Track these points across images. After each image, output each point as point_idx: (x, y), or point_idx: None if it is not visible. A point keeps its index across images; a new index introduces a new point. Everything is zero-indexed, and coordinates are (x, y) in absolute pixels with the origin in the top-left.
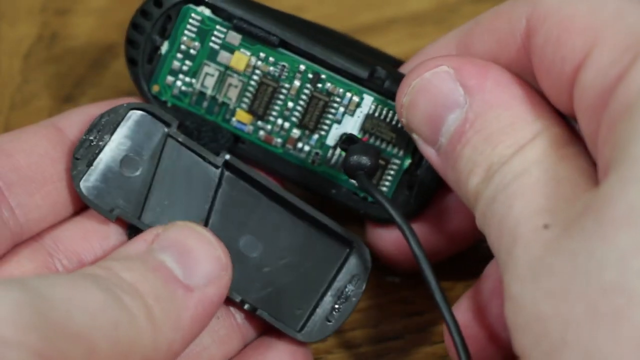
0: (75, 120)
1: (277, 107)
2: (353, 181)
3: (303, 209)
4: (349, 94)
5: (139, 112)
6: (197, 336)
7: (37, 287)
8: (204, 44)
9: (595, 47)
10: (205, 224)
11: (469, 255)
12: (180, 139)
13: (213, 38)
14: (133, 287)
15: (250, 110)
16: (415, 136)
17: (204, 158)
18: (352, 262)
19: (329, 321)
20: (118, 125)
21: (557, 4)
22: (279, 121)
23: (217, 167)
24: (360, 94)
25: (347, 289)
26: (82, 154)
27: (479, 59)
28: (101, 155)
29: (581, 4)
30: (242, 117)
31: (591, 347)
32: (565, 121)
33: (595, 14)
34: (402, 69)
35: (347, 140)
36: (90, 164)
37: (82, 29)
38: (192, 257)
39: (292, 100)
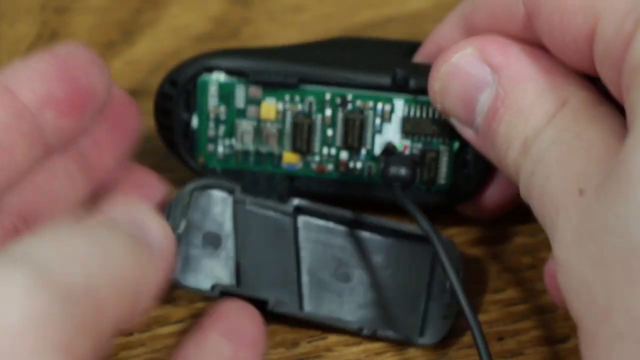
0: (24, 79)
1: (318, 139)
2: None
3: (379, 224)
4: (379, 105)
5: (201, 190)
6: None
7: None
8: (229, 106)
9: (598, 22)
10: (298, 271)
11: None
12: (247, 201)
13: (236, 98)
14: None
15: (294, 150)
16: (453, 120)
17: (275, 210)
18: (436, 257)
19: (445, 318)
20: (187, 209)
21: None
22: (325, 150)
23: (289, 214)
24: (390, 101)
25: (447, 283)
26: None
27: (499, 37)
28: (183, 244)
29: None
30: (290, 159)
31: (636, 312)
32: (591, 82)
33: None
34: (418, 56)
35: (385, 152)
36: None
37: (81, 28)
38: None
39: (329, 128)
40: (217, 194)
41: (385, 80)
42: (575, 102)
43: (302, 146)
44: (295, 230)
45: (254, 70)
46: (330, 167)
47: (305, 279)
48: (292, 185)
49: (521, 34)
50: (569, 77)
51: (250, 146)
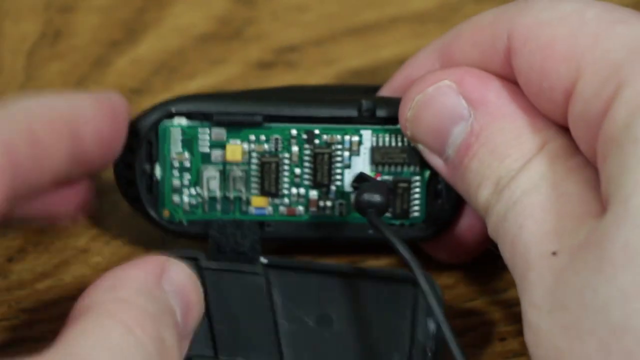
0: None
1: (286, 179)
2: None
3: (352, 272)
4: (347, 137)
5: None
6: None
7: None
8: (193, 152)
9: (580, 79)
10: (275, 326)
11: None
12: (213, 267)
13: (200, 143)
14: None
15: (263, 193)
16: (421, 147)
17: (244, 272)
18: (423, 298)
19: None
20: None
21: (536, 25)
22: (294, 190)
23: (259, 274)
24: (357, 132)
25: (429, 326)
26: None
27: (478, 71)
28: None
29: (560, 26)
30: (258, 203)
31: None
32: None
33: (575, 39)
34: (384, 90)
35: (357, 179)
36: None
37: (85, 27)
38: (190, 312)
39: (297, 166)
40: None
41: (352, 111)
42: (553, 148)
43: (271, 188)
44: (269, 285)
45: (217, 112)
46: (300, 208)
47: (283, 336)
48: (262, 231)
49: (500, 69)
50: (547, 121)
51: (217, 193)
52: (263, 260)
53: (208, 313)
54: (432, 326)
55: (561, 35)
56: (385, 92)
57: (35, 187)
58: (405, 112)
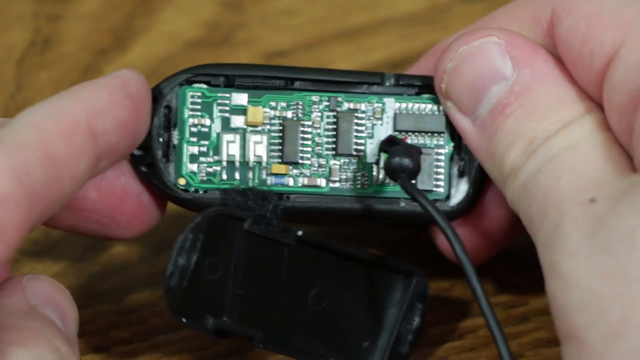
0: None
1: (308, 147)
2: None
3: (358, 254)
4: (370, 105)
5: (216, 217)
6: None
7: None
8: (212, 117)
9: (624, 45)
10: (289, 299)
11: None
12: (257, 232)
13: (219, 107)
14: None
15: (283, 161)
16: (449, 104)
17: (278, 242)
18: (413, 291)
19: (400, 350)
20: (199, 240)
21: None
22: (315, 160)
23: (291, 246)
24: (380, 100)
25: (413, 319)
26: (174, 283)
27: (526, 37)
28: (192, 277)
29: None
30: (278, 170)
31: None
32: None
33: (623, 10)
34: (417, 66)
35: (387, 142)
36: (186, 289)
37: (74, 34)
38: (68, 316)
39: (319, 135)
40: (228, 221)
41: (375, 78)
42: (594, 118)
43: (291, 155)
44: (292, 258)
45: (239, 75)
46: (321, 180)
47: (291, 307)
48: (281, 201)
49: (540, 40)
50: (587, 95)
51: (236, 157)
52: (299, 232)
53: (233, 277)
54: (417, 320)
55: (609, 7)
56: (417, 69)
57: (63, 199)
58: (446, 62)
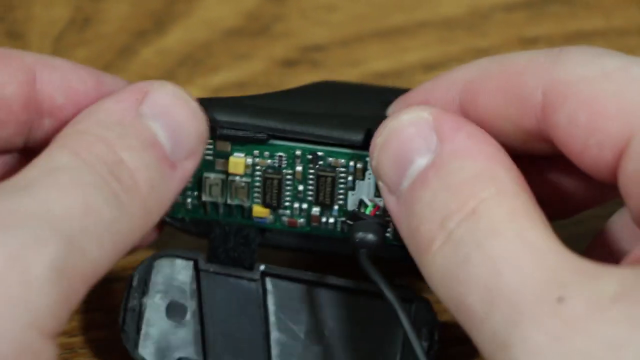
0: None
1: (288, 194)
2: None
3: (349, 285)
4: (352, 162)
5: (164, 259)
6: None
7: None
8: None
9: (635, 136)
10: (266, 335)
11: None
12: (212, 270)
13: (205, 151)
14: (134, 179)
15: (265, 205)
16: (380, 184)
17: (241, 278)
18: (415, 317)
19: None
20: (149, 280)
21: (578, 80)
22: (296, 205)
23: (256, 280)
24: (362, 159)
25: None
26: (128, 322)
27: (457, 115)
28: (146, 316)
29: (606, 83)
30: (259, 212)
31: None
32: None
33: (624, 96)
34: (397, 104)
35: (351, 217)
36: (139, 329)
37: (114, 15)
38: (181, 132)
39: (300, 184)
40: (180, 263)
41: (358, 138)
42: (514, 197)
43: (273, 201)
44: (264, 293)
45: (222, 125)
46: (301, 220)
47: (274, 346)
48: (263, 237)
49: (530, 124)
50: (514, 174)
51: (218, 199)
52: (261, 267)
53: (201, 316)
54: (425, 345)
55: (608, 92)
56: (397, 107)
57: None
58: (377, 138)
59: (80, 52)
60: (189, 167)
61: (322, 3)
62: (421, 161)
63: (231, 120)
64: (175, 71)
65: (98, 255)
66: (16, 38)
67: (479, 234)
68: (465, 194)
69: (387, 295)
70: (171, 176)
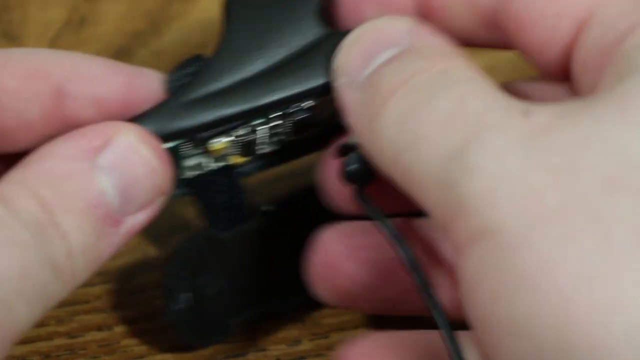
0: None
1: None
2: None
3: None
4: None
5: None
6: None
7: None
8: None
9: (600, 6)
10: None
11: None
12: (225, 235)
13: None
14: (67, 242)
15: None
16: (339, 80)
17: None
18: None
19: None
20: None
21: None
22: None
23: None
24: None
25: None
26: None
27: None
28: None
29: None
30: (236, 160)
31: (606, 215)
32: None
33: None
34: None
35: (342, 150)
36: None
37: (111, 16)
38: (134, 187)
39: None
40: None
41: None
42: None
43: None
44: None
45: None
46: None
47: None
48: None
49: (484, 4)
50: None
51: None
52: (262, 208)
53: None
54: None
55: None
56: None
57: None
58: (346, 39)
59: None
60: (139, 219)
61: None
62: (389, 52)
63: (190, 126)
64: None
65: (27, 316)
66: (12, 40)
67: (447, 81)
68: (435, 59)
69: (390, 233)
70: (112, 233)
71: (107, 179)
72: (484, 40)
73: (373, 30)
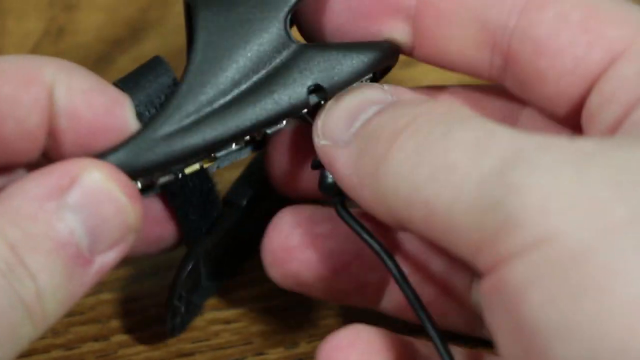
0: None
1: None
2: None
3: None
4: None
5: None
6: None
7: None
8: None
9: (620, 59)
10: None
11: None
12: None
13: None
14: (35, 283)
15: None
16: (323, 143)
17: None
18: None
19: None
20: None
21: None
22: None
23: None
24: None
25: None
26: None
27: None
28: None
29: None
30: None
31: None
32: None
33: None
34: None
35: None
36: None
37: (89, 25)
38: (104, 226)
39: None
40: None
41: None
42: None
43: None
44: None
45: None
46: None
47: None
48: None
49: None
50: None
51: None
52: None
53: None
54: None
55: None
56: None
57: None
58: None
59: None
60: (110, 257)
61: None
62: (375, 107)
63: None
64: None
65: None
66: None
67: (458, 118)
68: (430, 105)
69: (372, 244)
70: (82, 273)
71: (75, 218)
72: (479, 70)
73: (355, 94)
